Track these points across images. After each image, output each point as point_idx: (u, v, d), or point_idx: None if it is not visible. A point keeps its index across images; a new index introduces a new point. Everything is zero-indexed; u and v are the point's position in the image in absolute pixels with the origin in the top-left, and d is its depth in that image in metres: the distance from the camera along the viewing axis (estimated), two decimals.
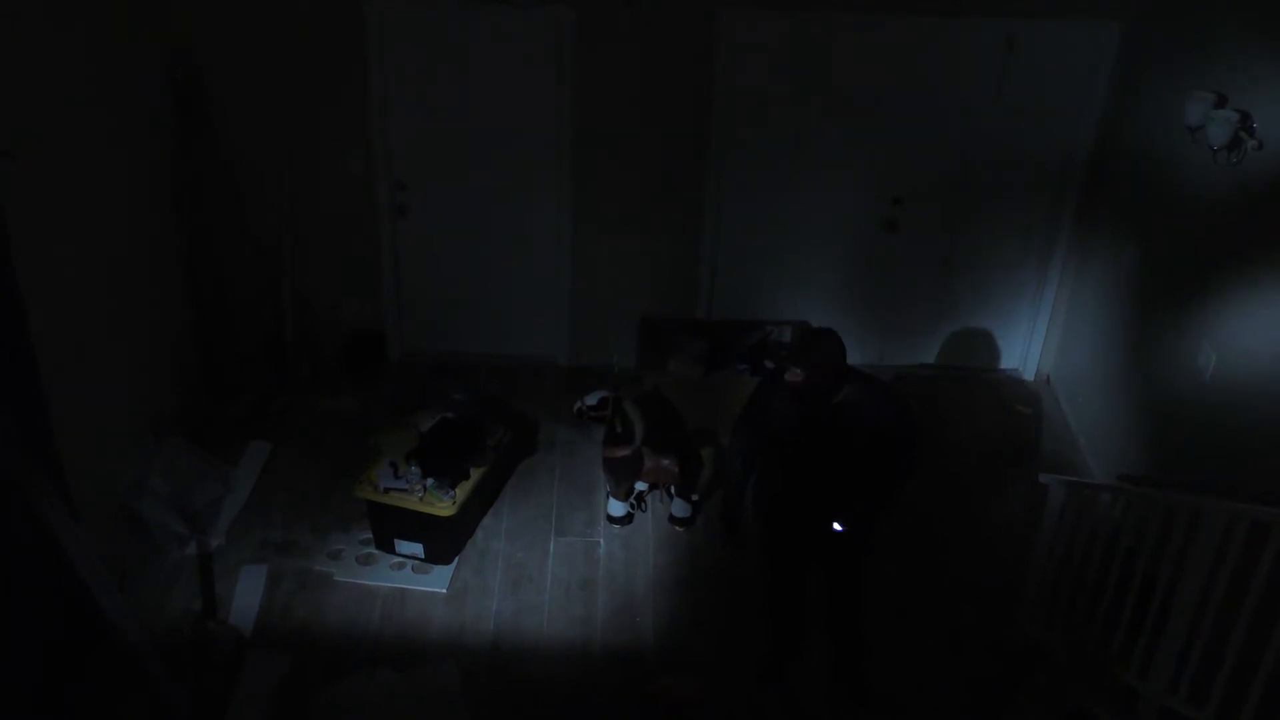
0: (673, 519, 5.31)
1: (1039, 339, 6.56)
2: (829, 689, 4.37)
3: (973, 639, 4.66)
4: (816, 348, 3.70)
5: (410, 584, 4.89)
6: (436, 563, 4.99)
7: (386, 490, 4.88)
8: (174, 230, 5.58)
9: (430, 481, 4.88)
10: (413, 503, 4.84)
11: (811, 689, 4.38)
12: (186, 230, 5.65)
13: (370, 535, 5.08)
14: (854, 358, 3.83)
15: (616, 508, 5.29)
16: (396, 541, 4.99)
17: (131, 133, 5.05)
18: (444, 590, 4.87)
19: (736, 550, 4.57)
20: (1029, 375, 6.64)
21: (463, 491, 4.93)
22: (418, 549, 4.97)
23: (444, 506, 4.83)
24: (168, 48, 5.36)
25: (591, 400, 5.12)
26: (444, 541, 4.98)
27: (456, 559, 5.04)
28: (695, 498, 5.30)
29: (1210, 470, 4.44)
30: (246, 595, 4.77)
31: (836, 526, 3.94)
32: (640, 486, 5.32)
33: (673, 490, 5.29)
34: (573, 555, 5.12)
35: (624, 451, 5.09)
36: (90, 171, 4.60)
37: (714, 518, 5.31)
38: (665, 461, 5.13)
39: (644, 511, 5.40)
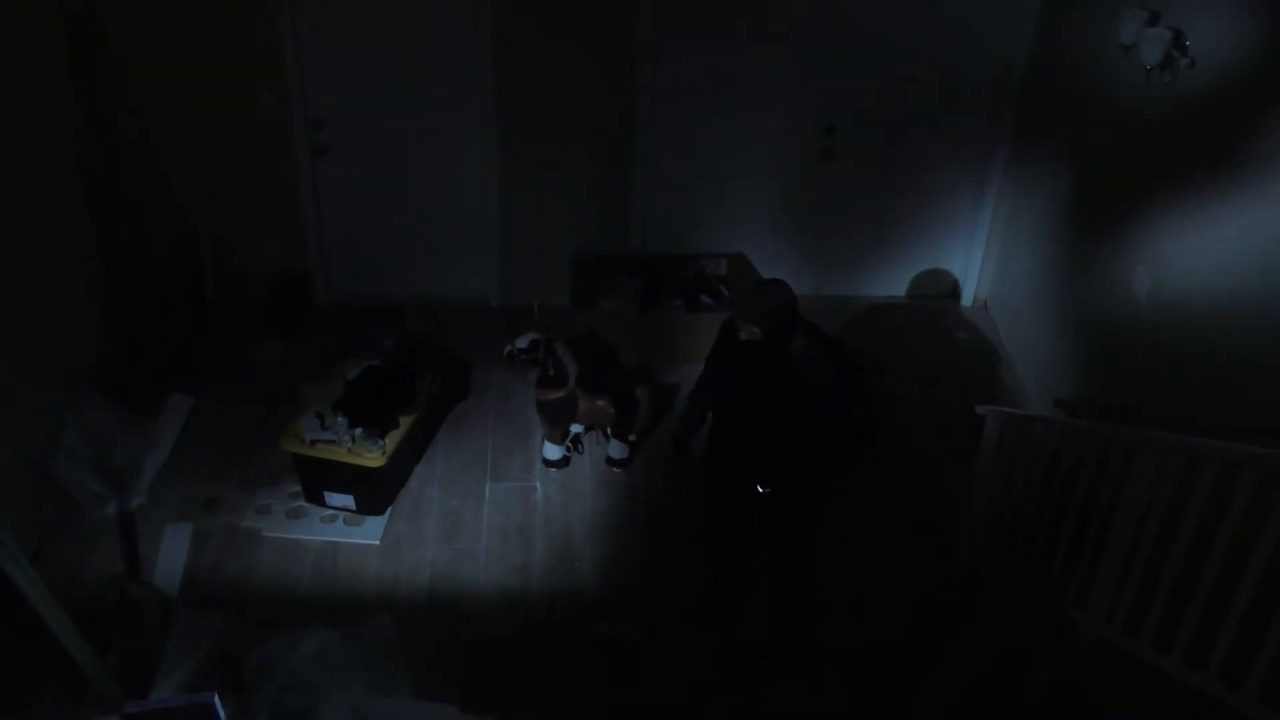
0: (610, 460, 5.23)
1: (976, 264, 6.51)
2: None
3: (914, 571, 4.66)
4: (768, 302, 3.57)
5: (342, 537, 4.78)
6: (368, 514, 4.87)
7: (313, 442, 4.73)
8: (81, 177, 5.30)
9: (358, 432, 4.74)
10: (341, 454, 4.70)
11: (750, 629, 4.36)
12: (95, 176, 5.37)
13: (299, 488, 4.94)
14: (793, 288, 3.71)
15: (552, 451, 5.19)
16: (326, 494, 4.86)
17: (27, 80, 4.76)
18: (377, 542, 4.77)
19: (677, 478, 4.42)
20: (967, 301, 6.60)
21: (392, 440, 4.80)
22: (349, 500, 4.85)
23: (373, 457, 4.70)
24: None
25: (522, 343, 4.99)
26: (375, 492, 4.85)
27: (389, 509, 4.93)
28: (632, 438, 5.21)
29: (1147, 393, 4.43)
30: (171, 555, 4.64)
31: (760, 489, 3.85)
32: (576, 429, 5.22)
33: (609, 431, 5.20)
34: (509, 501, 5.03)
35: (557, 394, 4.98)
36: None
37: (657, 452, 5.27)
38: (600, 403, 5.02)
39: (580, 454, 5.31)
